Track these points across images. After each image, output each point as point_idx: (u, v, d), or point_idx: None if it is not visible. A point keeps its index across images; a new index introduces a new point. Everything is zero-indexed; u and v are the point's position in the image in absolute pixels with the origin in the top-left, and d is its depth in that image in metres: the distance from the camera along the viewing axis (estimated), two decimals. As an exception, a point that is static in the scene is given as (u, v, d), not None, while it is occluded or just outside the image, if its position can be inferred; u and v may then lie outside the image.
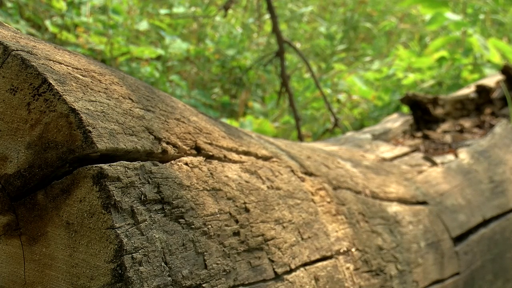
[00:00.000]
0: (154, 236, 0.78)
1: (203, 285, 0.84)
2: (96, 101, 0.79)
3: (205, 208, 0.88)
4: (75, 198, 0.74)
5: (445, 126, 2.14)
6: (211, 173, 0.93)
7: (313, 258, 1.07)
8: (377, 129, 1.96)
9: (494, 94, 2.36)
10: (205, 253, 0.85)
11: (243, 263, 0.92)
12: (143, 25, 3.95)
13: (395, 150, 1.75)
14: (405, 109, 3.22)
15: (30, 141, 0.76)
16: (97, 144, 0.75)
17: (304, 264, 1.05)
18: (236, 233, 0.93)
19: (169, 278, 0.79)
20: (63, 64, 0.81)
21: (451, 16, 4.23)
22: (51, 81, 0.76)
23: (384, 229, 1.31)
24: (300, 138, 2.83)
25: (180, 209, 0.84)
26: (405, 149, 1.77)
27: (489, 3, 5.26)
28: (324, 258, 1.11)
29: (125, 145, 0.79)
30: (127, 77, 0.92)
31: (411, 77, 4.06)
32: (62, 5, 3.57)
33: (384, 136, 1.89)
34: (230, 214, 0.93)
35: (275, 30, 2.78)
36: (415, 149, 1.81)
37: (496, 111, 2.30)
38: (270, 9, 2.77)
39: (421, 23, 5.78)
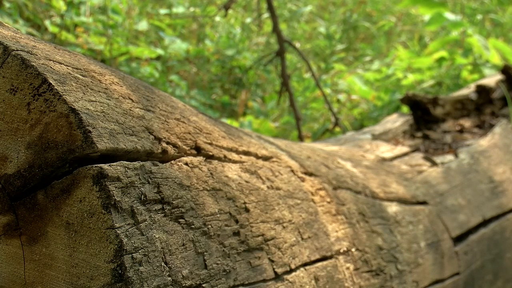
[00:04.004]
0: (154, 236, 0.78)
1: (203, 285, 0.84)
2: (96, 101, 0.79)
3: (205, 208, 0.88)
4: (75, 198, 0.74)
5: (445, 126, 2.13)
6: (211, 173, 0.93)
7: (313, 258, 1.07)
8: (377, 129, 1.96)
9: (494, 94, 2.36)
10: (205, 253, 0.85)
11: (243, 263, 0.92)
12: (143, 25, 3.95)
13: (395, 150, 1.75)
14: (405, 109, 3.22)
15: (30, 141, 0.76)
16: (97, 144, 0.75)
17: (304, 264, 1.05)
18: (236, 233, 0.93)
19: (169, 278, 0.79)
20: (63, 64, 0.81)
21: (450, 16, 4.23)
22: (51, 81, 0.76)
23: (384, 229, 1.31)
24: (300, 138, 2.83)
25: (180, 209, 0.84)
26: (405, 149, 1.77)
27: (487, 3, 5.26)
28: (324, 258, 1.11)
29: (125, 145, 0.79)
30: (127, 77, 0.92)
31: (411, 77, 4.06)
32: (62, 5, 3.57)
33: (384, 136, 1.89)
34: (230, 214, 0.93)
35: (276, 30, 2.78)
36: (415, 149, 1.81)
37: (496, 111, 2.30)
38: (271, 8, 2.76)
39: (421, 23, 5.78)
